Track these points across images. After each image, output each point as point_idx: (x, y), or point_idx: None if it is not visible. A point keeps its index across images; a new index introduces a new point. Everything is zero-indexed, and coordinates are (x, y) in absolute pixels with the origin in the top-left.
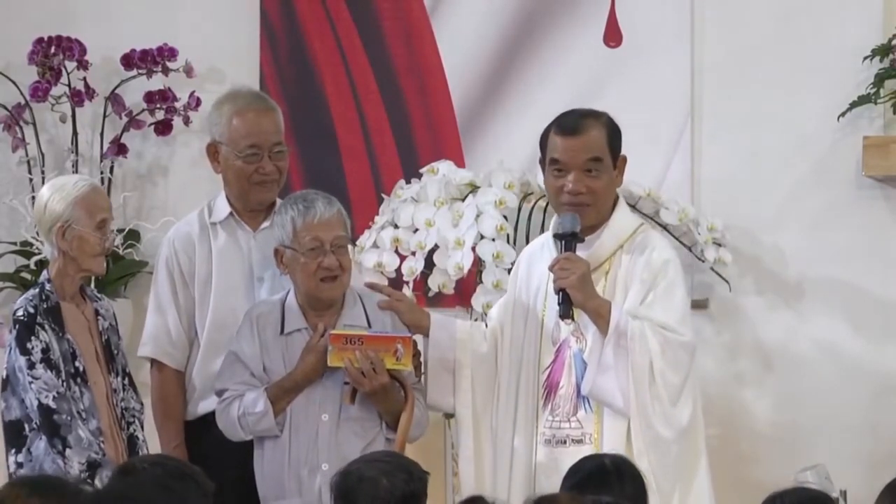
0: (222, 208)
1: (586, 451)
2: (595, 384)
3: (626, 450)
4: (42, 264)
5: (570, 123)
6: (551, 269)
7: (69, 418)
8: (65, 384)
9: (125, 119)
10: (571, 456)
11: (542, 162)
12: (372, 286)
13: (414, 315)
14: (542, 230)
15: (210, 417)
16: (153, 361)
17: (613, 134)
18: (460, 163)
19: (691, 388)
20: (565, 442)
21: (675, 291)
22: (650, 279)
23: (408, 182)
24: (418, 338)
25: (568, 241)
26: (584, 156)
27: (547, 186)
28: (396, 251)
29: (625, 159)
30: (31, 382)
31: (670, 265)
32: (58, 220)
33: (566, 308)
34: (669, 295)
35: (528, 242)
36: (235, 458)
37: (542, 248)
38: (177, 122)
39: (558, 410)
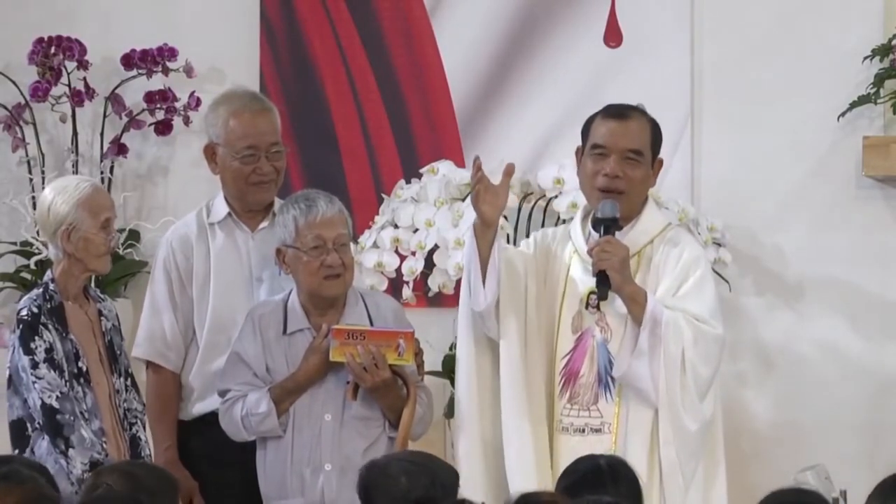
0: (220, 209)
1: (605, 440)
2: (630, 368)
3: (649, 440)
4: (42, 264)
5: (619, 110)
6: (590, 251)
7: (72, 418)
8: (68, 384)
9: (125, 119)
10: (590, 445)
11: (580, 152)
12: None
13: (494, 210)
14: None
15: (209, 417)
16: (148, 362)
17: (656, 133)
18: (460, 163)
19: (716, 382)
20: (584, 431)
21: (706, 286)
22: (682, 273)
23: (408, 182)
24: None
25: (608, 225)
26: (627, 144)
27: (583, 173)
28: (396, 251)
29: (661, 162)
30: (34, 382)
31: (701, 261)
32: (62, 223)
33: (604, 290)
34: (701, 288)
35: None
36: (237, 458)
37: (565, 240)
38: (177, 122)
39: (577, 399)
